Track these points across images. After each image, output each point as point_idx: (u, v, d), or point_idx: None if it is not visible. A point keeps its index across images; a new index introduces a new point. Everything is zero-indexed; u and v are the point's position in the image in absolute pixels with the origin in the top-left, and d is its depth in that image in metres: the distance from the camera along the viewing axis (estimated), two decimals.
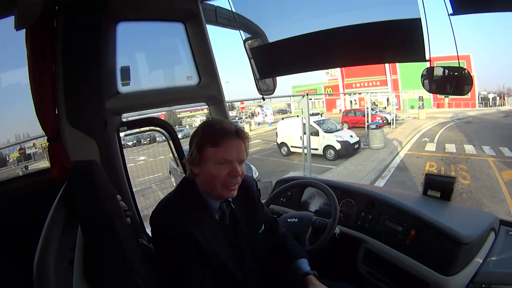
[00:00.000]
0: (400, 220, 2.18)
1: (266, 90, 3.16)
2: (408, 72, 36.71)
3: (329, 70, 42.70)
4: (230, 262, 1.53)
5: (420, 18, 1.98)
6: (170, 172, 9.10)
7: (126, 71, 2.31)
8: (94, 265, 1.22)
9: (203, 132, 1.54)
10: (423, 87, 2.22)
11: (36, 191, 1.95)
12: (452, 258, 1.86)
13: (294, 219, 2.34)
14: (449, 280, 1.82)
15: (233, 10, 2.75)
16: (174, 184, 8.29)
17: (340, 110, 41.62)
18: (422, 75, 2.18)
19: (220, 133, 1.50)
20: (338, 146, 16.14)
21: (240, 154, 1.52)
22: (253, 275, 1.63)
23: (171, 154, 2.67)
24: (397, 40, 2.20)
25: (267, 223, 1.86)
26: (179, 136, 2.60)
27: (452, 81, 2.09)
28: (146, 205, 6.09)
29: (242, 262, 1.60)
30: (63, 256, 1.21)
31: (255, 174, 9.72)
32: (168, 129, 2.54)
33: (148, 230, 1.57)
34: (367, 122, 20.27)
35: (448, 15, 1.88)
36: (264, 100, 3.34)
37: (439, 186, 2.37)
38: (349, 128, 21.78)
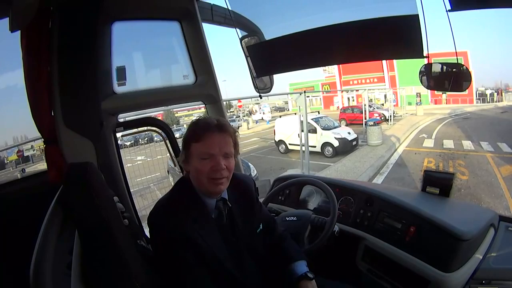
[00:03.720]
0: (400, 217, 2.17)
1: (263, 88, 3.16)
2: (406, 69, 36.80)
3: (326, 67, 42.66)
4: (227, 261, 1.53)
5: (417, 15, 1.97)
6: (168, 171, 9.10)
7: (122, 71, 2.30)
8: (92, 268, 1.21)
9: (188, 130, 1.57)
10: (421, 83, 2.21)
11: (34, 194, 1.93)
12: (452, 255, 1.86)
13: (292, 218, 2.34)
14: (449, 277, 1.81)
15: (229, 8, 2.74)
16: (172, 184, 8.29)
17: (338, 107, 41.73)
18: (420, 72, 2.18)
19: (201, 128, 1.52)
20: (336, 143, 16.15)
21: (223, 148, 1.52)
22: (251, 275, 1.62)
23: (168, 154, 2.66)
24: (395, 37, 2.19)
25: (265, 223, 1.86)
26: (177, 135, 2.59)
27: (450, 78, 2.08)
28: (144, 205, 6.08)
29: (240, 261, 1.59)
30: (61, 259, 1.20)
31: (253, 173, 9.70)
32: (165, 128, 2.53)
33: (147, 231, 1.57)
34: (365, 119, 20.24)
35: (446, 11, 1.87)
36: (261, 98, 3.33)
37: (438, 183, 2.36)
38: (346, 125, 21.70)
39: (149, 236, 1.54)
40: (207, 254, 1.47)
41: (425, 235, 2.00)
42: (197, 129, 1.53)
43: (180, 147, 1.66)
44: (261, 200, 1.97)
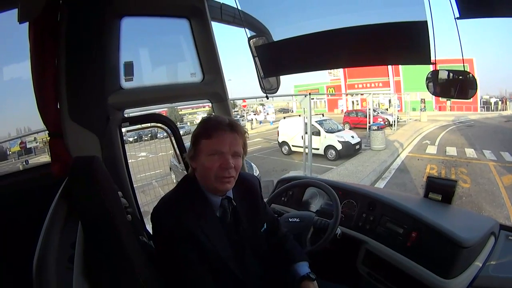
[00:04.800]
0: (401, 222, 2.18)
1: (269, 88, 3.16)
2: (411, 74, 36.77)
3: (332, 70, 42.62)
4: (230, 260, 1.53)
5: (426, 21, 1.97)
6: (170, 168, 9.12)
7: (129, 67, 2.30)
8: (94, 262, 1.21)
9: (199, 127, 1.58)
10: (428, 89, 2.21)
11: (38, 186, 1.94)
12: (452, 261, 1.86)
13: (295, 219, 2.34)
14: (448, 283, 1.82)
15: (239, 7, 2.75)
16: (175, 181, 8.32)
17: (342, 110, 41.67)
18: (427, 78, 2.18)
19: (213, 126, 1.53)
20: (339, 147, 16.10)
21: (233, 147, 1.53)
22: (253, 274, 1.63)
23: (171, 151, 2.67)
24: (403, 42, 2.19)
25: (269, 223, 1.87)
26: (180, 132, 2.59)
27: (456, 85, 2.08)
28: (147, 201, 6.09)
29: (242, 260, 1.60)
30: (64, 253, 1.20)
31: (256, 173, 9.69)
32: (170, 125, 2.54)
33: (148, 227, 1.57)
34: (369, 123, 20.21)
35: (455, 18, 1.87)
36: (267, 98, 3.34)
37: (441, 189, 2.37)
38: (350, 129, 21.72)
39: (151, 232, 1.54)
40: (210, 252, 1.47)
41: (426, 241, 2.01)
42: (208, 126, 1.53)
43: (188, 145, 1.66)
44: (264, 200, 1.98)
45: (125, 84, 2.27)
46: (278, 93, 3.47)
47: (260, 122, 38.52)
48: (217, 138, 1.50)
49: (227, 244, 1.55)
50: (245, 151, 1.62)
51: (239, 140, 1.56)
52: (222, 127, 1.52)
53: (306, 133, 11.53)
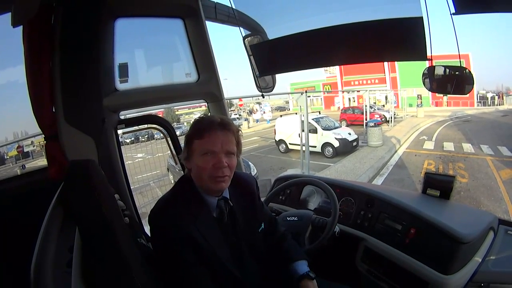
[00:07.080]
0: (400, 218, 2.18)
1: (265, 87, 3.15)
2: (407, 70, 36.85)
3: (328, 67, 42.65)
4: (228, 260, 1.53)
5: (422, 17, 1.97)
6: (168, 169, 9.12)
7: (124, 68, 2.29)
8: (92, 267, 1.21)
9: (191, 127, 1.57)
10: (424, 86, 2.21)
11: (34, 190, 1.94)
12: (451, 257, 1.86)
13: (294, 218, 2.34)
14: (448, 279, 1.82)
15: (233, 6, 2.74)
16: (172, 181, 8.31)
17: (339, 107, 41.72)
18: (423, 74, 2.18)
19: (204, 125, 1.53)
20: (336, 144, 16.12)
21: (226, 146, 1.52)
22: (252, 274, 1.62)
23: (169, 151, 2.65)
24: (398, 39, 2.19)
25: (267, 222, 1.86)
26: (177, 133, 2.58)
27: (453, 81, 2.08)
28: (145, 202, 6.08)
29: (240, 260, 1.59)
30: (61, 257, 1.20)
31: (253, 172, 9.68)
32: (166, 126, 2.53)
33: (147, 229, 1.56)
34: (366, 119, 20.23)
35: (451, 14, 1.86)
36: (263, 97, 3.33)
37: (439, 185, 2.37)
38: (347, 126, 21.66)
39: (149, 234, 1.54)
40: (207, 253, 1.47)
41: (425, 237, 2.01)
42: (200, 126, 1.53)
43: (182, 145, 1.65)
44: (262, 199, 1.97)
45: (120, 86, 2.27)
46: (274, 91, 3.46)
47: (257, 121, 38.52)
48: (209, 138, 1.50)
49: (225, 245, 1.55)
50: (240, 149, 1.62)
51: (231, 138, 1.55)
52: (213, 127, 1.52)
53: (303, 131, 11.52)
